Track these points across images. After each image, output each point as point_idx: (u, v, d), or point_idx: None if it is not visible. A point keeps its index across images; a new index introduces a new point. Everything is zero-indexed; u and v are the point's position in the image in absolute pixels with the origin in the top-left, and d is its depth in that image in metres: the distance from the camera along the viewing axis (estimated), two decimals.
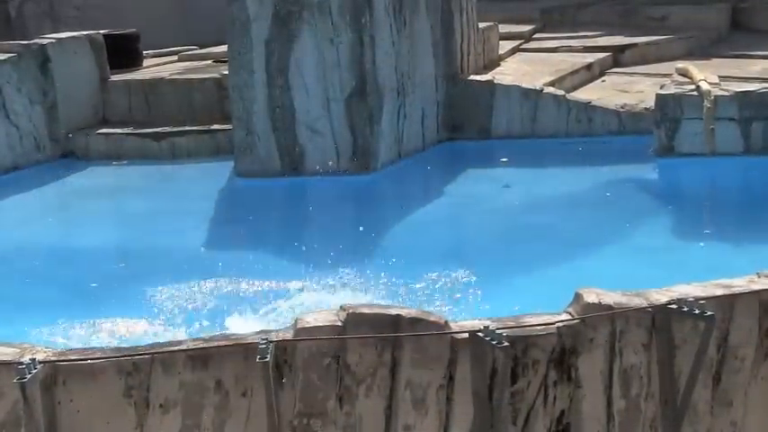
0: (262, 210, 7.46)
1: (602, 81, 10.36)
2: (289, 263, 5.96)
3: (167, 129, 9.20)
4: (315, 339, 3.40)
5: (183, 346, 3.34)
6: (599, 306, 3.59)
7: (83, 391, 3.21)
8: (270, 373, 3.23)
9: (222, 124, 8.91)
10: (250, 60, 7.90)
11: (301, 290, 5.45)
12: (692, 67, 8.42)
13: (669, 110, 7.66)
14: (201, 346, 3.35)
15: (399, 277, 5.49)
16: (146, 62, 11.06)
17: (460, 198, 7.46)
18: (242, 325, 4.84)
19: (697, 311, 3.58)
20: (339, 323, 3.48)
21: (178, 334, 4.77)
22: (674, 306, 3.63)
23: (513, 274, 5.48)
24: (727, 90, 7.66)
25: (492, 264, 5.72)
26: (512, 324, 3.54)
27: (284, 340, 3.38)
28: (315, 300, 5.23)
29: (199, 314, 5.22)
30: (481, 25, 10.08)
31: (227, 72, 8.46)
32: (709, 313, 3.56)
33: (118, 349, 3.40)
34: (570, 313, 3.61)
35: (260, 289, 5.49)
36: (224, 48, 8.91)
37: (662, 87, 8.09)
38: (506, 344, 3.35)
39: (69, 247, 6.79)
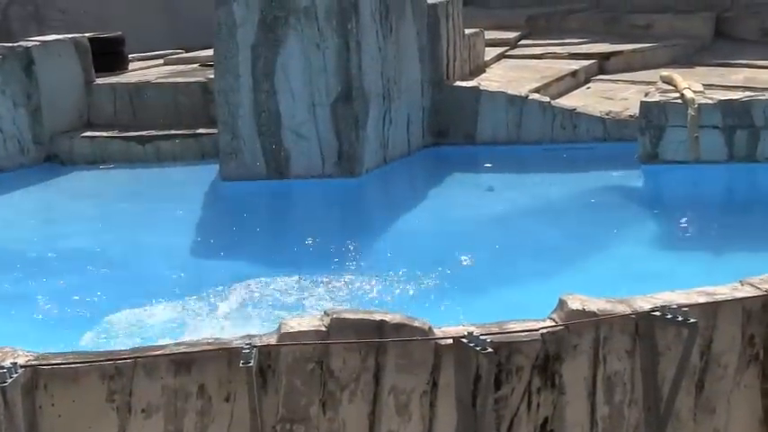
0: (246, 214, 7.45)
1: (588, 88, 10.39)
2: (272, 267, 5.95)
3: (152, 132, 9.17)
4: (299, 344, 3.40)
5: (166, 351, 3.32)
6: (583, 313, 3.60)
7: (64, 395, 3.19)
8: (253, 377, 3.22)
9: (208, 128, 8.89)
10: (236, 64, 7.89)
11: (285, 294, 5.44)
12: (677, 75, 8.46)
13: (654, 117, 7.69)
14: (184, 350, 3.34)
15: (384, 282, 5.49)
16: (131, 65, 11.03)
17: (445, 203, 7.47)
18: (225, 329, 4.82)
19: (680, 319, 3.58)
20: (323, 328, 3.47)
21: (160, 338, 4.74)
22: (657, 313, 3.64)
23: (497, 279, 5.48)
24: (710, 98, 7.69)
25: (476, 269, 5.72)
26: (496, 330, 3.54)
27: (268, 345, 3.37)
28: (298, 304, 5.22)
29: (181, 317, 5.20)
30: (467, 31, 10.11)
31: (213, 76, 8.45)
32: (692, 320, 3.57)
33: (100, 353, 3.37)
34: (554, 319, 3.62)
35: (243, 293, 5.48)
36: (210, 52, 8.89)
37: (646, 95, 8.13)
38: (490, 350, 3.35)
39: (52, 249, 6.75)
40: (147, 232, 6.97)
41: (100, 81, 9.85)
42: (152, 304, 5.41)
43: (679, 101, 7.66)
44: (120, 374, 3.23)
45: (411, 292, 5.38)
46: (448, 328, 3.62)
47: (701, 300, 3.80)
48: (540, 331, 3.55)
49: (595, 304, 3.68)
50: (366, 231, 6.85)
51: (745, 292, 4.01)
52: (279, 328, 3.46)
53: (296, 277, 5.58)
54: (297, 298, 5.37)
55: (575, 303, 3.65)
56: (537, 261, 5.90)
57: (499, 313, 4.09)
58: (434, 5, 9.13)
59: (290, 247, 6.46)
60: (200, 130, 9.07)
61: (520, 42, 12.31)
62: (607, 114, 8.80)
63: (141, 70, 10.92)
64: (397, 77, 8.46)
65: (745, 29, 12.37)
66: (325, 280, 5.57)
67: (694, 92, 7.78)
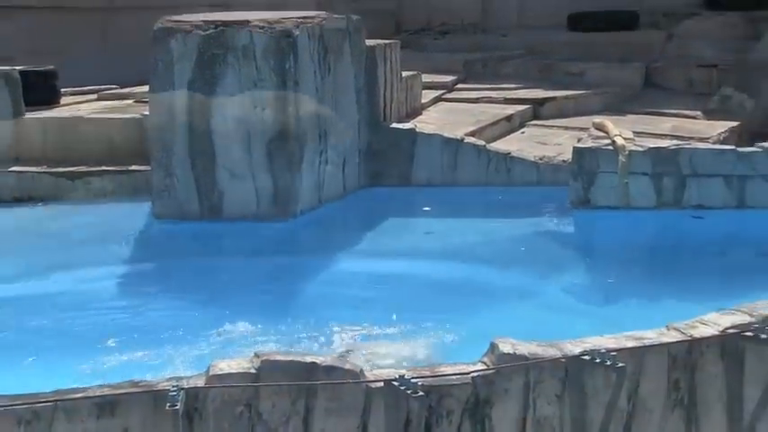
0: (175, 254, 7.33)
1: (522, 133, 10.55)
2: (199, 309, 5.85)
3: (83, 168, 9.02)
4: (227, 387, 3.34)
5: (88, 393, 3.24)
6: (514, 356, 3.61)
7: None
8: (180, 421, 3.16)
9: (141, 165, 8.78)
10: (172, 101, 7.83)
11: (212, 337, 5.35)
12: (608, 122, 8.63)
13: (586, 163, 7.82)
14: (108, 392, 3.26)
15: (314, 325, 5.44)
16: (64, 100, 10.87)
17: (379, 246, 7.46)
18: (150, 371, 4.71)
19: (609, 363, 3.62)
20: (253, 370, 3.43)
21: (82, 380, 4.61)
22: (586, 357, 3.67)
23: (430, 322, 5.48)
24: (640, 146, 7.87)
25: (410, 312, 5.71)
26: (427, 373, 3.54)
27: (195, 387, 3.31)
28: (226, 346, 5.14)
29: (103, 359, 5.07)
30: (405, 74, 10.20)
31: (147, 113, 8.37)
32: (620, 365, 3.61)
33: (16, 397, 3.27)
34: (485, 363, 3.62)
35: (168, 335, 5.36)
36: (146, 88, 8.82)
37: (579, 141, 8.28)
38: (421, 393, 3.34)
39: None
40: (72, 270, 6.80)
41: (30, 115, 9.68)
42: (71, 344, 5.25)
43: (610, 147, 7.81)
44: (37, 419, 3.14)
45: (342, 335, 5.34)
46: (379, 371, 3.61)
47: (629, 344, 3.85)
48: (471, 374, 3.55)
49: (526, 348, 3.70)
50: (297, 273, 6.80)
51: (671, 336, 4.07)
52: (207, 370, 3.41)
53: (225, 320, 5.50)
54: (225, 339, 5.29)
55: (506, 347, 3.67)
56: (470, 304, 5.92)
57: (432, 356, 4.08)
58: (373, 47, 9.20)
59: (217, 287, 6.37)
60: (134, 167, 8.95)
61: (456, 86, 12.47)
62: (541, 159, 8.93)
63: (74, 105, 10.77)
64: (333, 118, 8.48)
65: (673, 79, 12.77)
66: (254, 323, 5.50)
67: (625, 139, 7.95)
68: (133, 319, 5.65)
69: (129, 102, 10.87)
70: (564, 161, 8.56)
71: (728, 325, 4.29)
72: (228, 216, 7.81)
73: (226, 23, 7.84)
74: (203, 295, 6.21)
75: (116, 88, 11.86)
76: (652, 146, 7.87)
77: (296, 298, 6.19)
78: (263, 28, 7.78)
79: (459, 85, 12.50)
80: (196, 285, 6.56)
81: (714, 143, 9.36)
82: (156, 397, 3.21)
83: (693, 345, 4.01)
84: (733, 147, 8.13)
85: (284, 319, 5.58)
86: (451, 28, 16.32)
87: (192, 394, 3.25)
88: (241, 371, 3.37)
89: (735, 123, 10.66)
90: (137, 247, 7.55)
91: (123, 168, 9.01)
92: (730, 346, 4.13)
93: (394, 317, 5.54)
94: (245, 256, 7.18)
